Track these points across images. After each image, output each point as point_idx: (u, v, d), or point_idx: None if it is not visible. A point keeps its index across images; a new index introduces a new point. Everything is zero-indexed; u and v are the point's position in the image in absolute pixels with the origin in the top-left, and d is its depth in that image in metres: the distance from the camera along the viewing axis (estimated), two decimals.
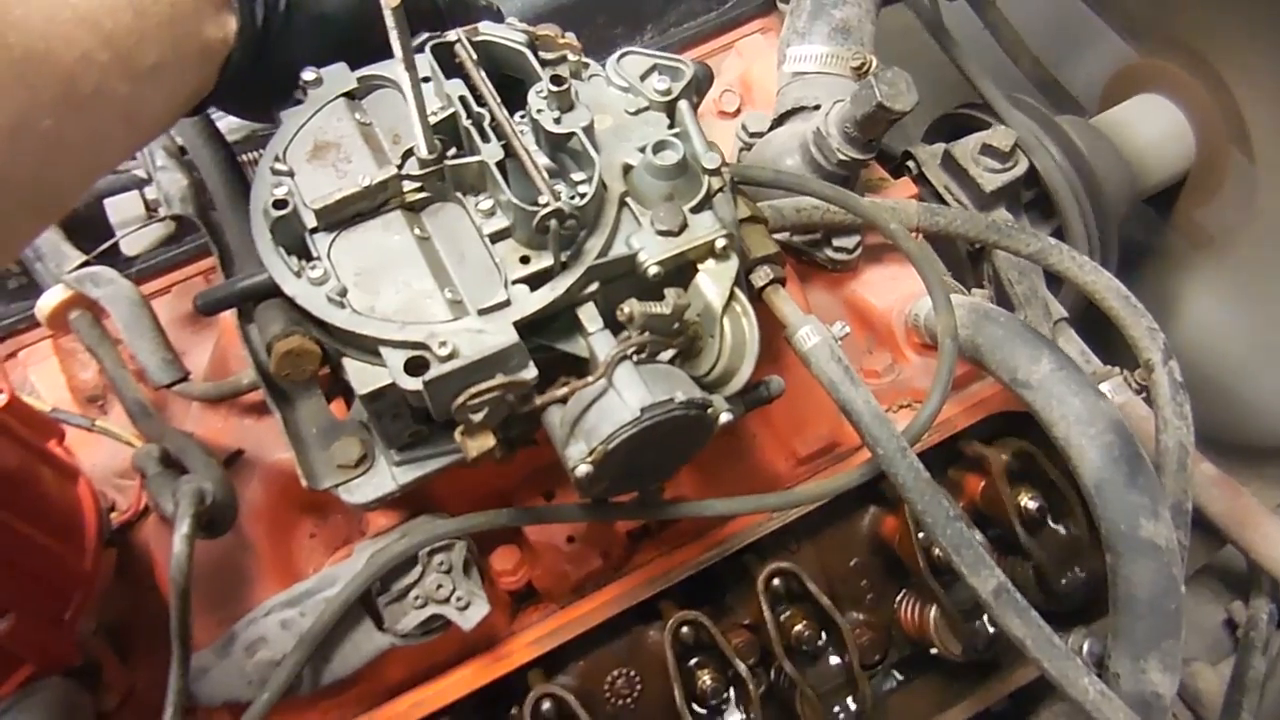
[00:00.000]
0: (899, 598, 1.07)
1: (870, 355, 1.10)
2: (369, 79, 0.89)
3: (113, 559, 0.94)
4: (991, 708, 1.11)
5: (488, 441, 0.75)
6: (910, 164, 1.33)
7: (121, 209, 1.04)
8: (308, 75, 0.87)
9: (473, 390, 0.73)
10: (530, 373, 0.76)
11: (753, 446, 1.05)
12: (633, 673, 1.02)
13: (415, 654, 0.94)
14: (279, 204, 0.79)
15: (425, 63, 0.85)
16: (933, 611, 1.01)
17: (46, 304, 0.99)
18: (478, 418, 0.75)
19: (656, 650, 1.02)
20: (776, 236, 1.04)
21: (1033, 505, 0.99)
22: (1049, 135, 1.33)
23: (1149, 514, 0.84)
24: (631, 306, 0.77)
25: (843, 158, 1.05)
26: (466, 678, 0.95)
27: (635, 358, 0.79)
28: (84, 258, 1.00)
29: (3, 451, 0.81)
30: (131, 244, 1.04)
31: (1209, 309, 1.55)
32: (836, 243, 1.09)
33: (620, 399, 0.76)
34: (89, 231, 1.08)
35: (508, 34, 0.88)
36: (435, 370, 0.74)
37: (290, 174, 0.83)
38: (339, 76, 0.88)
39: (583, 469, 0.77)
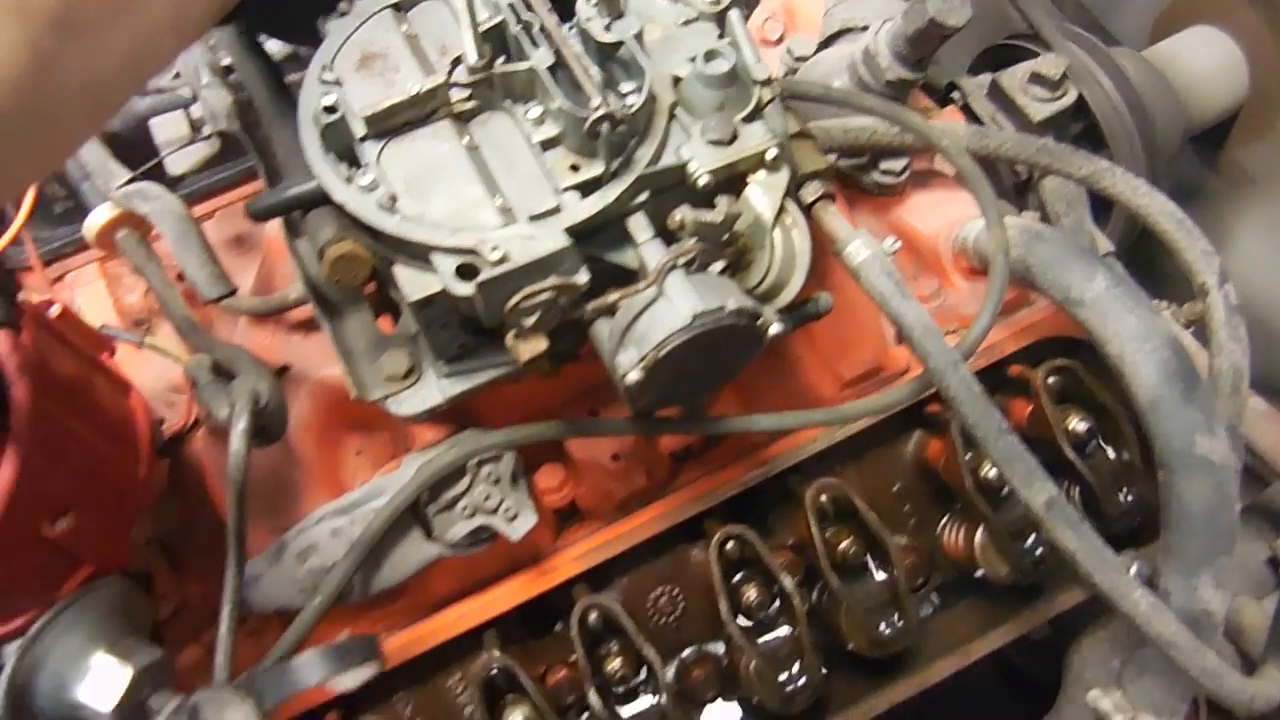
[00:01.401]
0: (943, 523, 1.07)
1: (916, 281, 1.09)
2: None
3: (165, 469, 0.95)
4: (1032, 634, 1.11)
5: (540, 345, 0.75)
6: (955, 95, 1.30)
7: (166, 129, 1.04)
8: None
9: (527, 291, 0.73)
10: (583, 276, 0.76)
11: (797, 369, 1.04)
12: (675, 591, 1.03)
13: (461, 568, 0.96)
14: (329, 109, 0.78)
15: None
16: (979, 533, 1.00)
17: (94, 223, 1.00)
18: (529, 321, 0.75)
19: (699, 569, 1.02)
20: None
21: (1081, 427, 0.98)
22: (1100, 65, 1.30)
23: (1205, 430, 0.83)
24: (683, 214, 0.77)
25: (891, 78, 1.03)
26: (512, 591, 0.96)
27: (686, 267, 0.78)
28: (131, 175, 1.00)
29: (60, 358, 0.82)
30: (177, 163, 1.04)
31: (1255, 251, 1.52)
32: (884, 166, 1.07)
33: (671, 306, 0.76)
34: (134, 154, 1.08)
35: None
36: (487, 274, 0.73)
37: (338, 83, 0.83)
38: None
39: (633, 376, 0.76)
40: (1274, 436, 1.15)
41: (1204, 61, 1.43)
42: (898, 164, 1.07)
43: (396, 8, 0.88)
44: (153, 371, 1.06)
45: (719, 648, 1.04)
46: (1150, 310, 0.86)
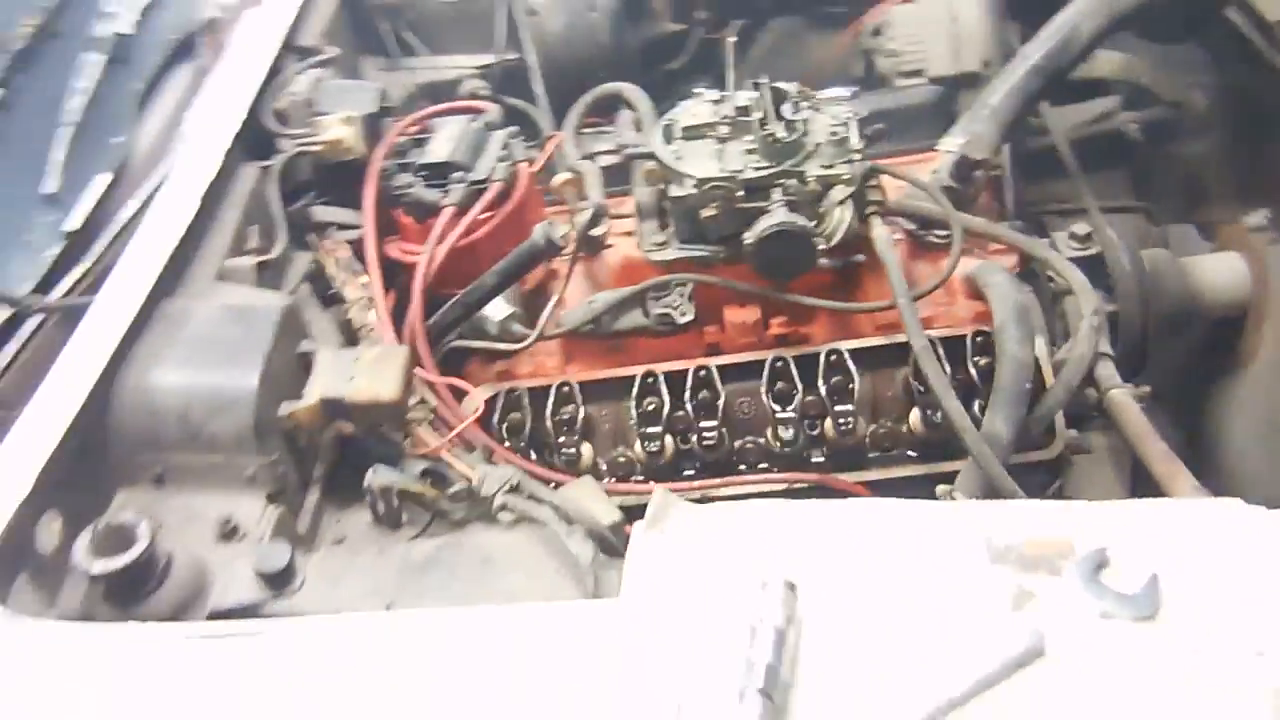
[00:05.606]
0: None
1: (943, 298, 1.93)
2: None
3: None
4: None
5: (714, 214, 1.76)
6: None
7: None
8: None
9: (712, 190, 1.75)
10: (741, 191, 1.76)
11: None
12: (752, 400, 1.90)
13: (651, 349, 1.92)
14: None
15: None
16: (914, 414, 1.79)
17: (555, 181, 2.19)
18: (710, 211, 1.76)
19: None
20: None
21: (981, 361, 1.75)
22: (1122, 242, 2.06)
23: (1023, 341, 1.61)
24: (795, 185, 1.75)
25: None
26: (669, 363, 1.91)
27: (790, 207, 1.76)
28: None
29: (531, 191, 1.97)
30: None
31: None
32: (936, 231, 1.96)
33: (774, 215, 1.73)
34: None
35: None
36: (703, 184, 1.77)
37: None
38: None
39: (750, 242, 1.74)
40: None
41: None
42: (944, 231, 1.95)
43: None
44: None
45: (758, 438, 1.88)
46: (1016, 288, 1.67)
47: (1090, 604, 0.98)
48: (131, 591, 1.37)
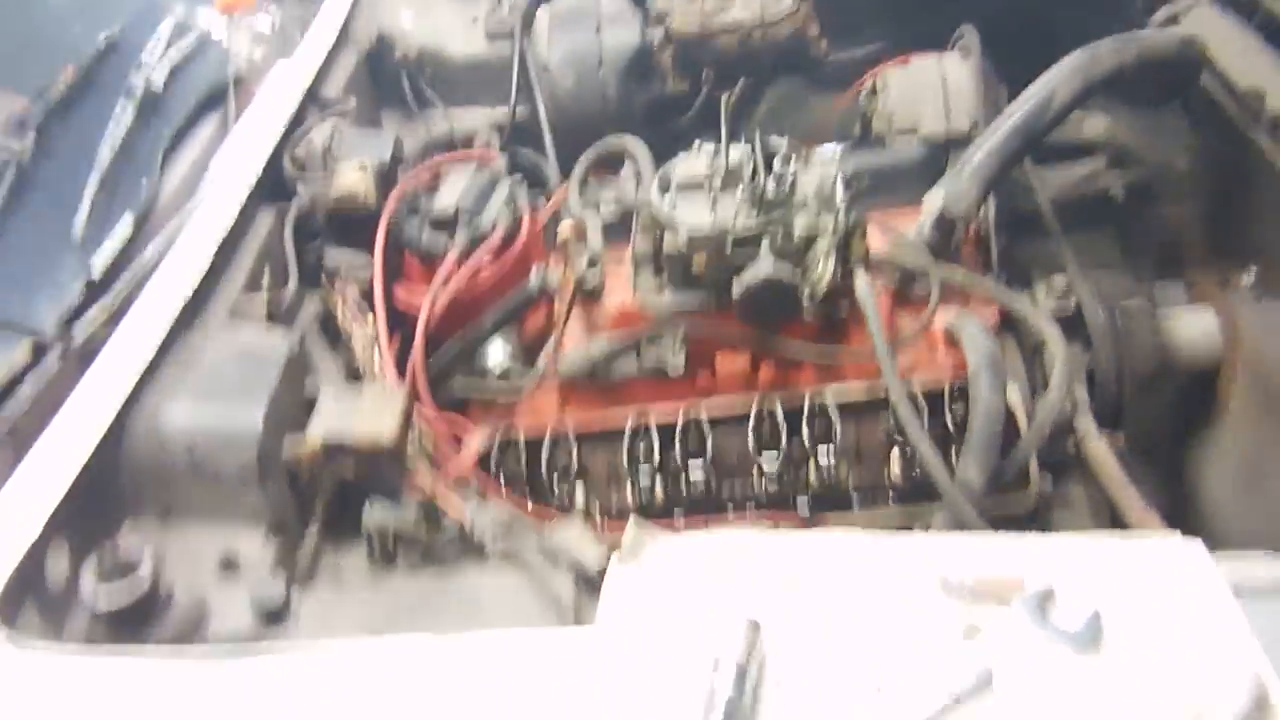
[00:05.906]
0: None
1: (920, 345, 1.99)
2: None
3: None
4: None
5: (702, 263, 1.84)
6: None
7: None
8: None
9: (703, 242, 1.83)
10: (730, 249, 1.84)
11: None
12: (741, 449, 1.96)
13: (645, 391, 1.99)
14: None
15: None
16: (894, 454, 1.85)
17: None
18: (700, 261, 1.84)
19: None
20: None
21: (959, 409, 1.80)
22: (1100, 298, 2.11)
23: (994, 384, 1.66)
24: (782, 236, 1.83)
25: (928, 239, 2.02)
26: (660, 410, 1.97)
27: (779, 258, 1.83)
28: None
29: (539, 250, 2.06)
30: None
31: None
32: (918, 287, 2.03)
33: (760, 266, 1.81)
34: None
35: None
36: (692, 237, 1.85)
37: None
38: None
39: (738, 293, 1.81)
40: None
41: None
42: (925, 285, 2.02)
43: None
44: None
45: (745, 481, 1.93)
46: (989, 338, 1.73)
47: (1036, 637, 1.02)
48: (133, 625, 1.43)
